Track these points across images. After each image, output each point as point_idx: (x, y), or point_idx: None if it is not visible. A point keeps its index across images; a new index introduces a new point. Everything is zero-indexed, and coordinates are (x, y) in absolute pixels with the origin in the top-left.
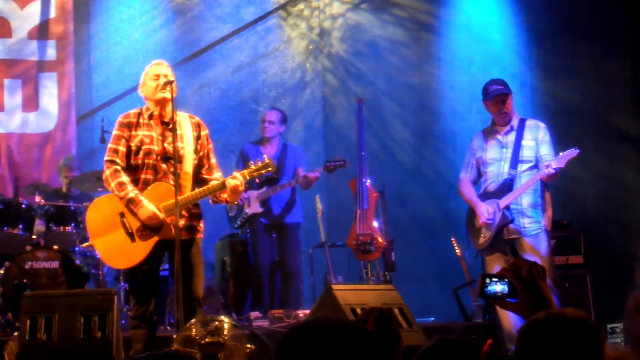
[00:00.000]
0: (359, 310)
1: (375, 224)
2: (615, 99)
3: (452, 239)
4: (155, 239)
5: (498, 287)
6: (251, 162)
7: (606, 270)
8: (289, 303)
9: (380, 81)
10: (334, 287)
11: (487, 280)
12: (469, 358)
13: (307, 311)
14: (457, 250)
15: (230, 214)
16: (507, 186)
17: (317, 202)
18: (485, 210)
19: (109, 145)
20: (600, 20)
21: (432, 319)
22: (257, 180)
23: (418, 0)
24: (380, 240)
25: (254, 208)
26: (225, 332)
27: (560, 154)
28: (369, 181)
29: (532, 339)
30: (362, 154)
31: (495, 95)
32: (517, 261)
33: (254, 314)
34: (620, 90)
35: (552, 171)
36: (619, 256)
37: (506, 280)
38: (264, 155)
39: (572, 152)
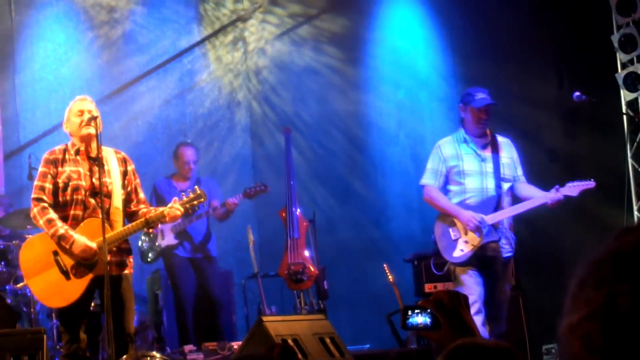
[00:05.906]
0: (290, 341)
1: (306, 252)
2: (542, 119)
3: (384, 265)
4: (90, 276)
5: (420, 319)
6: (183, 193)
7: (538, 292)
8: (222, 334)
9: (307, 109)
10: (265, 318)
11: (409, 312)
12: None
13: (241, 342)
14: (390, 277)
15: (141, 249)
16: (491, 203)
17: (249, 232)
18: (472, 217)
19: (35, 182)
20: (526, 42)
21: (368, 346)
22: (189, 211)
23: (344, 28)
24: (312, 269)
25: (169, 240)
26: None
27: (575, 182)
28: (299, 210)
29: None
30: (292, 182)
31: (488, 105)
32: (438, 293)
33: (188, 347)
34: (546, 111)
35: (561, 197)
36: (550, 281)
37: (429, 311)
38: (195, 187)
39: (589, 184)
